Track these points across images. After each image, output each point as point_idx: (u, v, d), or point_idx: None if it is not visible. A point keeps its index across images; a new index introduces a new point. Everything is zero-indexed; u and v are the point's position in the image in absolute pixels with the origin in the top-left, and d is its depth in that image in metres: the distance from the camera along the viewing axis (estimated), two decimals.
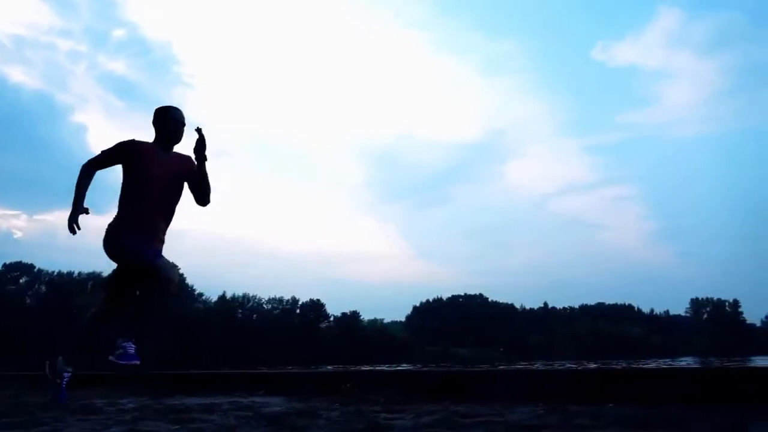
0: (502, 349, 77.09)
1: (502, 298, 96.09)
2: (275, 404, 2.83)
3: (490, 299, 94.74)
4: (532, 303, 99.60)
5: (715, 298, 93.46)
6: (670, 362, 23.96)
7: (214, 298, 74.71)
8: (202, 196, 3.19)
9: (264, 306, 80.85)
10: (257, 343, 65.51)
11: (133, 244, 2.94)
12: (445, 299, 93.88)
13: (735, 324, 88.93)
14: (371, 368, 6.81)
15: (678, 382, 2.54)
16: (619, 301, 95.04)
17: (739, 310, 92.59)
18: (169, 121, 3.20)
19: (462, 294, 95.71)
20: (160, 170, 3.09)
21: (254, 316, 78.21)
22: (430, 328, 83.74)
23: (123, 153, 3.08)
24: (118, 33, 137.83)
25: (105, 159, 3.09)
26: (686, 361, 29.19)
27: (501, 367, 4.48)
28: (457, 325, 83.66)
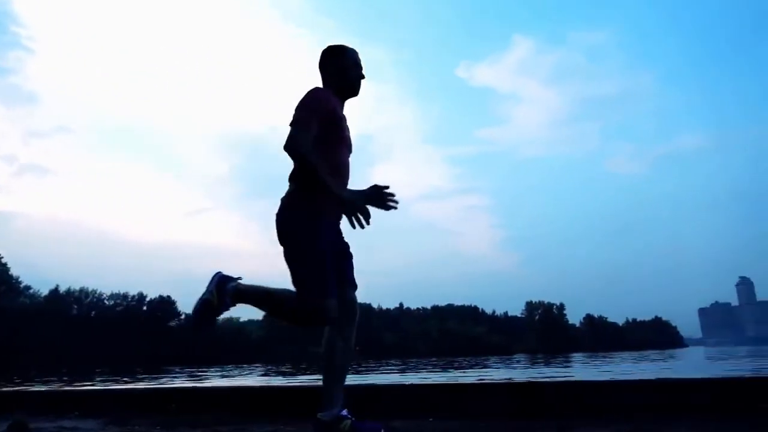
0: (358, 348, 78.59)
1: (362, 299, 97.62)
2: (86, 429, 2.57)
3: None
4: (389, 303, 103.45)
5: (545, 302, 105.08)
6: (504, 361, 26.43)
7: (45, 292, 66.37)
8: None
9: (105, 302, 73.70)
10: (96, 342, 59.55)
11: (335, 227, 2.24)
12: None
13: (560, 324, 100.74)
14: (198, 386, 6.51)
15: (495, 395, 2.74)
16: (466, 303, 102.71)
17: (564, 312, 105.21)
18: (352, 65, 2.34)
19: None
20: (348, 130, 2.33)
21: (93, 312, 70.80)
22: (289, 327, 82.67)
23: (327, 104, 2.20)
24: None
25: (316, 118, 2.14)
26: (519, 359, 32.58)
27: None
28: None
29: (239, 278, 2.20)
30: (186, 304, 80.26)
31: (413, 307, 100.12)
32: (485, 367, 16.30)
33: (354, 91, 2.35)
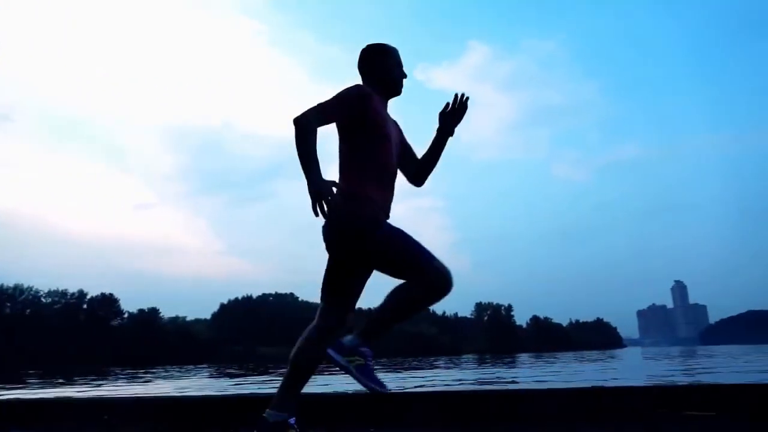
0: None
1: (313, 298, 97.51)
2: None
3: (300, 298, 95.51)
4: None
5: (494, 303, 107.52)
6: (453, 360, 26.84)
7: None
8: (423, 175, 2.40)
9: (42, 299, 70.03)
10: (30, 342, 56.48)
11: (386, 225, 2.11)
12: (255, 297, 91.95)
13: (508, 325, 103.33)
14: (135, 394, 6.25)
15: (433, 402, 2.72)
16: None
17: (512, 313, 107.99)
18: (395, 65, 2.29)
19: (273, 293, 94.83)
20: (391, 129, 2.25)
21: (28, 311, 67.11)
22: (238, 327, 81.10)
23: (361, 101, 2.11)
24: None
25: (337, 108, 2.07)
26: (467, 359, 33.19)
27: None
28: (266, 324, 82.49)
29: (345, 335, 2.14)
30: (130, 302, 77.50)
31: (364, 307, 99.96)
32: (434, 367, 16.46)
33: (397, 91, 2.29)
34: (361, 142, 2.11)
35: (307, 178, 1.92)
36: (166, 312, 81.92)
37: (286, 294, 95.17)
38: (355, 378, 2.04)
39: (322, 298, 2.17)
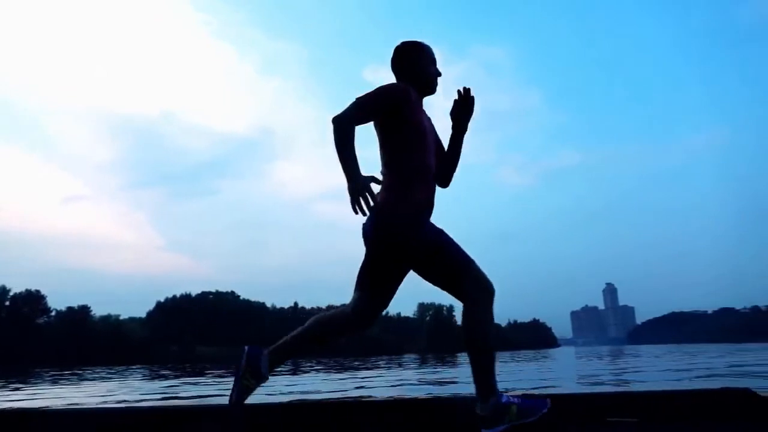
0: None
1: (254, 297, 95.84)
2: None
3: (242, 297, 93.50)
4: (283, 302, 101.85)
5: (437, 303, 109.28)
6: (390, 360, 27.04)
7: None
8: (448, 177, 2.32)
9: None
10: None
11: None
12: (194, 295, 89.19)
13: (449, 325, 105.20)
14: (53, 407, 5.90)
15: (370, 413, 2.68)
16: None
17: (453, 313, 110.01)
18: (430, 62, 2.23)
19: (213, 291, 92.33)
20: (429, 124, 2.19)
21: None
22: (175, 326, 78.36)
23: (399, 96, 2.04)
24: None
25: (375, 104, 2.01)
26: (409, 358, 33.58)
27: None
28: (206, 323, 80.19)
29: (263, 349, 2.14)
30: (58, 300, 73.34)
31: (308, 306, 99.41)
32: (376, 368, 16.52)
33: (432, 89, 2.25)
34: (401, 140, 2.07)
35: (346, 175, 1.88)
36: (98, 310, 78.19)
37: (227, 292, 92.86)
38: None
39: (356, 290, 2.11)
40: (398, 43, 2.28)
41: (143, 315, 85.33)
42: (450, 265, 2.00)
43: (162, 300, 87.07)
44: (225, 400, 2.17)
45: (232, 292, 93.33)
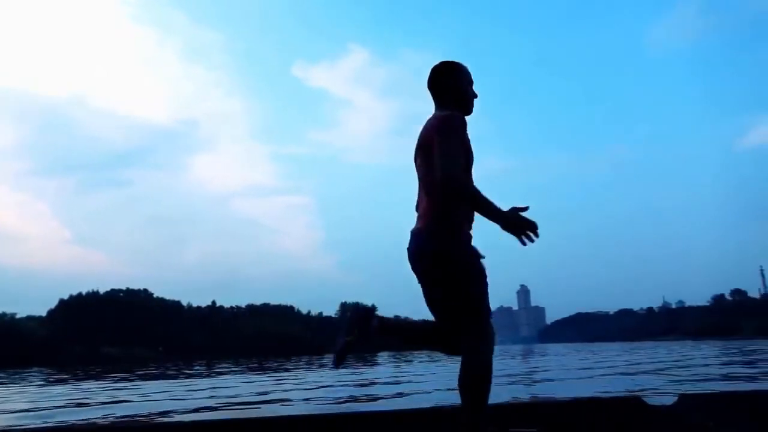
0: (161, 348, 73.06)
1: (169, 295, 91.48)
2: None
3: (156, 295, 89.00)
4: (200, 301, 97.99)
5: (359, 303, 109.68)
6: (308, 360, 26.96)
7: None
8: None
9: None
10: None
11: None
12: (102, 293, 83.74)
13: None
14: None
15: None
16: (283, 302, 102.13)
17: (375, 313, 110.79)
18: (469, 84, 2.21)
19: (124, 288, 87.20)
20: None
21: None
22: (79, 326, 73.15)
23: (466, 126, 2.08)
24: None
25: (462, 143, 2.03)
26: (330, 358, 33.22)
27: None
28: (115, 323, 75.50)
29: (376, 312, 2.15)
30: None
31: (227, 305, 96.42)
32: (296, 368, 16.37)
33: (470, 110, 2.23)
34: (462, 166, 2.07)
35: (497, 221, 1.92)
36: None
37: (139, 290, 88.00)
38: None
39: (472, 322, 2.08)
40: (437, 63, 2.26)
41: (43, 313, 79.02)
42: (470, 306, 2.06)
43: (66, 298, 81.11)
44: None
45: (145, 290, 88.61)
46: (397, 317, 2.23)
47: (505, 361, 16.84)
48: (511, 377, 8.65)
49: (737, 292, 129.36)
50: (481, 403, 1.90)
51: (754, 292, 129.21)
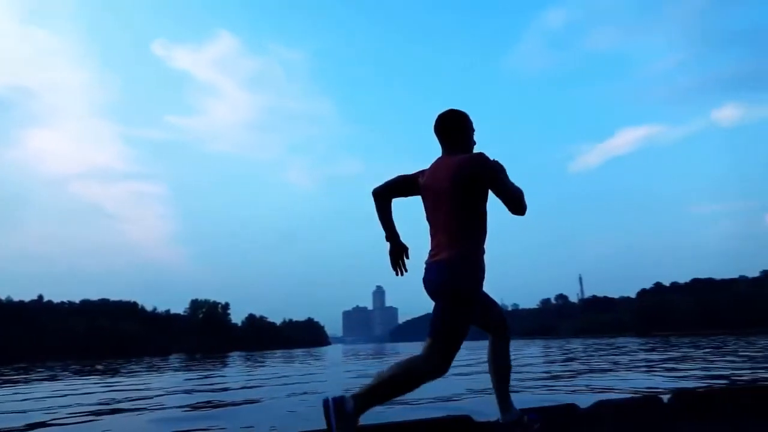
0: None
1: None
2: None
3: None
4: (24, 295, 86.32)
5: (211, 300, 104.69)
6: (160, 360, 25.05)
7: None
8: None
9: None
10: None
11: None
12: None
13: (223, 324, 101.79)
14: None
15: None
16: (124, 298, 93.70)
17: (228, 311, 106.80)
18: (473, 131, 2.46)
19: None
20: None
21: None
22: None
23: None
24: None
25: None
26: (175, 359, 31.53)
27: None
28: None
29: (346, 394, 2.07)
30: None
31: (56, 300, 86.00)
32: (132, 373, 15.36)
33: None
34: (481, 210, 2.28)
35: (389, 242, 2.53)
36: None
37: None
38: None
39: (435, 343, 2.23)
40: (446, 110, 2.41)
41: None
42: (448, 338, 2.19)
43: None
44: None
45: None
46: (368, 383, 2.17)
47: (358, 362, 17.35)
48: (357, 382, 9.00)
49: (561, 297, 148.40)
50: (388, 394, 2.11)
51: (573, 297, 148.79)
